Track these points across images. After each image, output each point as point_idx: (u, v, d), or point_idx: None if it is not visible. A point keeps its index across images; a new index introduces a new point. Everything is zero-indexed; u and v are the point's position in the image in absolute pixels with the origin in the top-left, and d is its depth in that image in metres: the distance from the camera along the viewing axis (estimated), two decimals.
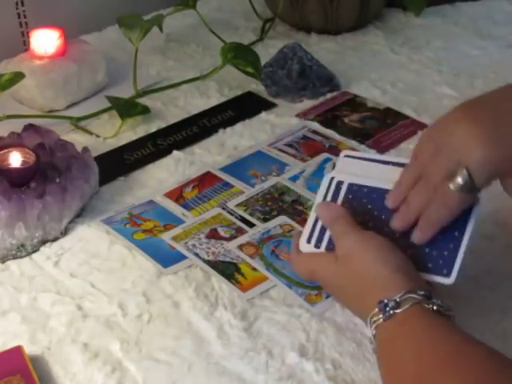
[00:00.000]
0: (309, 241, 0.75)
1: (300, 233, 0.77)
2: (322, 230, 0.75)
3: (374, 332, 0.67)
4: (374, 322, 0.66)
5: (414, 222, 0.71)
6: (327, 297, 0.79)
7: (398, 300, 0.65)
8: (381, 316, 0.66)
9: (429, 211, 0.70)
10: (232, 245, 0.85)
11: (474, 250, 0.72)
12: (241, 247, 0.85)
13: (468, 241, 0.71)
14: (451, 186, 0.68)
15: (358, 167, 0.78)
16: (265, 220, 0.89)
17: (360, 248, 0.70)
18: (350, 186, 0.76)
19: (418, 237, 0.71)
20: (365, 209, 0.75)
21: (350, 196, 0.76)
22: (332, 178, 0.77)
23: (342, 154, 0.81)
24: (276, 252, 0.84)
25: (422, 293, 0.66)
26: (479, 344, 0.61)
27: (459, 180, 0.67)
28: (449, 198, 0.69)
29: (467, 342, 0.62)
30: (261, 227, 0.88)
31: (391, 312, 0.65)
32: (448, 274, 0.70)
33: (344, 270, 0.71)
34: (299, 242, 0.76)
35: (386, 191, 0.74)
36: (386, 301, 0.66)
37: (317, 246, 0.75)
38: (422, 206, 0.70)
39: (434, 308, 0.65)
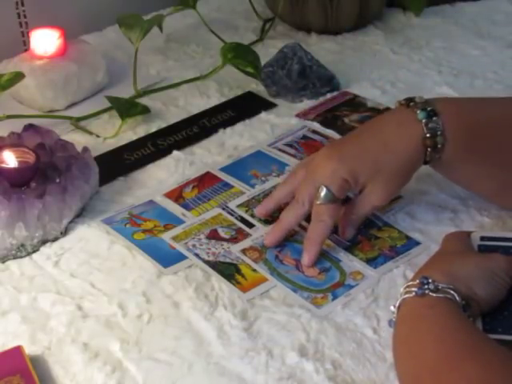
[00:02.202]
0: None
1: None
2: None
3: (400, 303, 0.68)
4: (406, 292, 0.68)
5: (282, 238, 0.85)
6: (333, 299, 0.79)
7: (439, 287, 0.67)
8: (415, 289, 0.67)
9: (308, 233, 0.83)
10: (235, 248, 0.85)
11: None
12: (244, 251, 0.85)
13: None
14: (317, 202, 0.82)
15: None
16: (266, 222, 0.89)
17: (485, 257, 0.74)
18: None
19: (305, 260, 0.83)
20: None
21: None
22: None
23: (475, 236, 0.80)
24: (280, 257, 0.84)
25: (463, 302, 0.68)
26: (497, 343, 0.63)
27: (321, 195, 0.82)
28: (319, 212, 0.82)
29: (487, 339, 0.64)
30: (263, 231, 0.88)
31: (426, 291, 0.67)
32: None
33: (466, 248, 0.77)
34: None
35: None
36: (430, 280, 0.68)
37: None
38: (291, 224, 0.85)
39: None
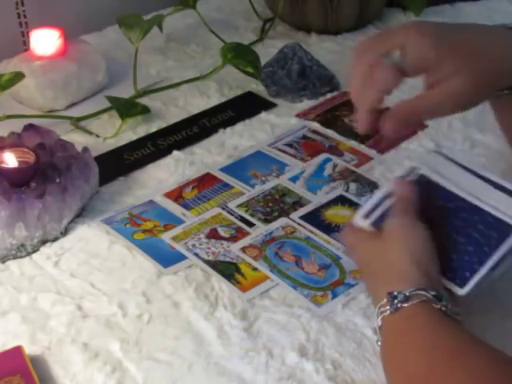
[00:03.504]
0: (364, 215, 0.77)
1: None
2: (377, 206, 0.76)
3: (379, 323, 0.67)
4: (382, 312, 0.67)
5: (373, 123, 0.74)
6: (333, 298, 0.79)
7: (407, 294, 0.66)
8: (388, 308, 0.66)
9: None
10: (235, 247, 0.85)
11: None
12: (244, 250, 0.85)
13: (496, 262, 0.71)
14: (386, 61, 0.72)
15: (446, 169, 0.78)
16: (266, 221, 0.89)
17: (399, 233, 0.72)
18: (431, 183, 0.77)
19: (386, 127, 0.74)
20: (431, 204, 0.76)
21: (425, 189, 0.76)
22: (416, 170, 0.78)
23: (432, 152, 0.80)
24: (280, 254, 0.84)
25: (433, 293, 0.66)
26: (484, 344, 0.62)
27: (394, 55, 0.71)
28: (386, 71, 0.72)
29: (472, 342, 0.63)
30: (263, 229, 0.88)
31: (399, 305, 0.66)
32: (461, 286, 0.71)
33: (377, 246, 0.72)
34: (355, 215, 0.78)
35: (463, 201, 0.75)
36: (395, 293, 0.66)
37: (367, 216, 0.76)
38: (372, 97, 0.74)
39: (442, 309, 0.66)
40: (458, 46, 0.71)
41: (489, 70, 0.71)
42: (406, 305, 0.66)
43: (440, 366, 0.61)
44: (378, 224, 0.75)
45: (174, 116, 1.10)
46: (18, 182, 0.87)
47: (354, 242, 0.77)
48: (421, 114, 0.74)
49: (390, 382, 0.66)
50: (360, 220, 0.77)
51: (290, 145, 1.03)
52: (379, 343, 0.68)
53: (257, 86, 1.16)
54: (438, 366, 0.61)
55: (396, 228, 0.72)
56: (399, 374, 0.64)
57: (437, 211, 0.75)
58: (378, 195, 0.78)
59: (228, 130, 1.07)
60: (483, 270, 0.71)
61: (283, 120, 1.09)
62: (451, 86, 0.70)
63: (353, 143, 1.03)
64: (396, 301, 0.66)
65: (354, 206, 0.91)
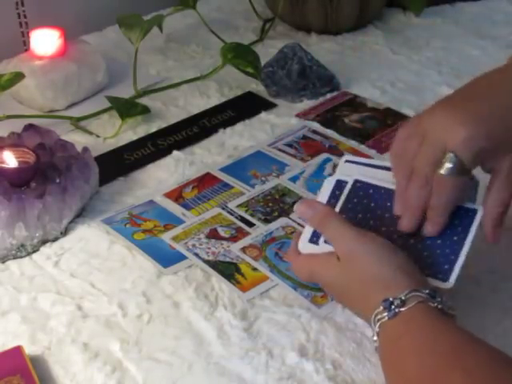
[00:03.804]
0: (309, 240, 0.75)
1: (299, 234, 0.77)
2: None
3: (377, 330, 0.67)
4: (379, 320, 0.66)
5: (420, 221, 0.72)
6: (333, 298, 0.79)
7: (403, 298, 0.65)
8: (385, 314, 0.66)
9: (431, 203, 0.71)
10: (235, 247, 0.85)
11: (475, 249, 0.72)
12: (244, 250, 0.85)
13: (469, 247, 0.71)
14: (442, 172, 0.68)
15: (360, 171, 0.78)
16: (266, 221, 0.89)
17: (361, 248, 0.70)
18: (356, 183, 0.76)
19: (428, 230, 0.72)
20: (367, 207, 0.75)
21: (353, 194, 0.76)
22: (335, 180, 0.78)
23: (343, 159, 0.81)
24: (279, 254, 0.84)
25: (427, 291, 0.66)
26: (483, 343, 0.62)
27: (448, 165, 0.68)
28: (443, 185, 0.69)
29: (471, 341, 0.62)
30: (263, 229, 0.88)
31: (396, 310, 0.65)
32: (445, 279, 0.70)
33: (346, 270, 0.71)
34: (299, 243, 0.76)
35: (391, 191, 0.74)
36: (391, 299, 0.66)
37: (314, 241, 0.74)
38: (421, 201, 0.71)
39: (439, 307, 0.65)
40: (505, 127, 0.68)
41: None
42: (403, 309, 0.65)
43: (441, 365, 0.61)
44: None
45: (174, 116, 1.10)
46: (18, 182, 0.87)
47: (315, 269, 0.74)
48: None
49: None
50: (306, 246, 0.75)
51: (290, 145, 1.03)
52: (377, 350, 0.68)
53: (257, 86, 1.16)
54: (439, 365, 0.61)
55: (355, 244, 0.70)
56: (400, 376, 0.64)
57: (380, 212, 0.75)
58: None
59: (228, 129, 1.07)
60: (461, 259, 0.71)
61: (283, 120, 1.09)
62: None
63: (353, 143, 1.03)
64: (393, 306, 0.65)
65: None
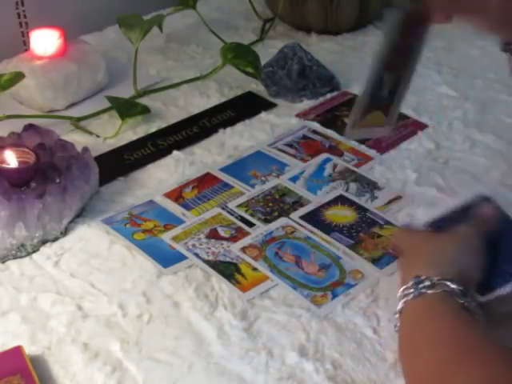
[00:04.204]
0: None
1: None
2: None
3: (401, 306, 0.68)
4: (405, 295, 0.68)
5: None
6: (333, 298, 0.79)
7: (434, 281, 0.67)
8: (412, 291, 0.67)
9: None
10: (235, 247, 0.85)
11: None
12: (244, 250, 0.85)
13: None
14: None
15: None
16: (266, 221, 0.89)
17: (463, 233, 0.73)
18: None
19: None
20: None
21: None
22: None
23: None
24: (279, 254, 0.84)
25: (461, 288, 0.67)
26: (500, 344, 0.62)
27: None
28: None
29: (491, 339, 0.63)
30: (263, 229, 0.88)
31: (422, 290, 0.66)
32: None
33: (433, 236, 0.75)
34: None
35: None
36: (422, 277, 0.67)
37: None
38: None
39: (465, 304, 0.66)
40: None
41: None
42: (429, 291, 0.66)
43: (456, 357, 0.61)
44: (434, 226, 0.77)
45: (174, 116, 1.10)
46: (18, 182, 0.87)
47: (409, 235, 0.78)
48: None
49: (405, 367, 0.66)
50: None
51: (290, 145, 1.03)
52: (396, 328, 0.69)
53: (257, 86, 1.16)
54: (454, 357, 0.61)
55: (460, 231, 0.74)
56: (416, 361, 0.65)
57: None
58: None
59: (228, 130, 1.07)
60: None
61: (283, 120, 1.09)
62: None
63: (353, 143, 1.03)
64: (421, 285, 0.67)
65: (353, 205, 0.91)
